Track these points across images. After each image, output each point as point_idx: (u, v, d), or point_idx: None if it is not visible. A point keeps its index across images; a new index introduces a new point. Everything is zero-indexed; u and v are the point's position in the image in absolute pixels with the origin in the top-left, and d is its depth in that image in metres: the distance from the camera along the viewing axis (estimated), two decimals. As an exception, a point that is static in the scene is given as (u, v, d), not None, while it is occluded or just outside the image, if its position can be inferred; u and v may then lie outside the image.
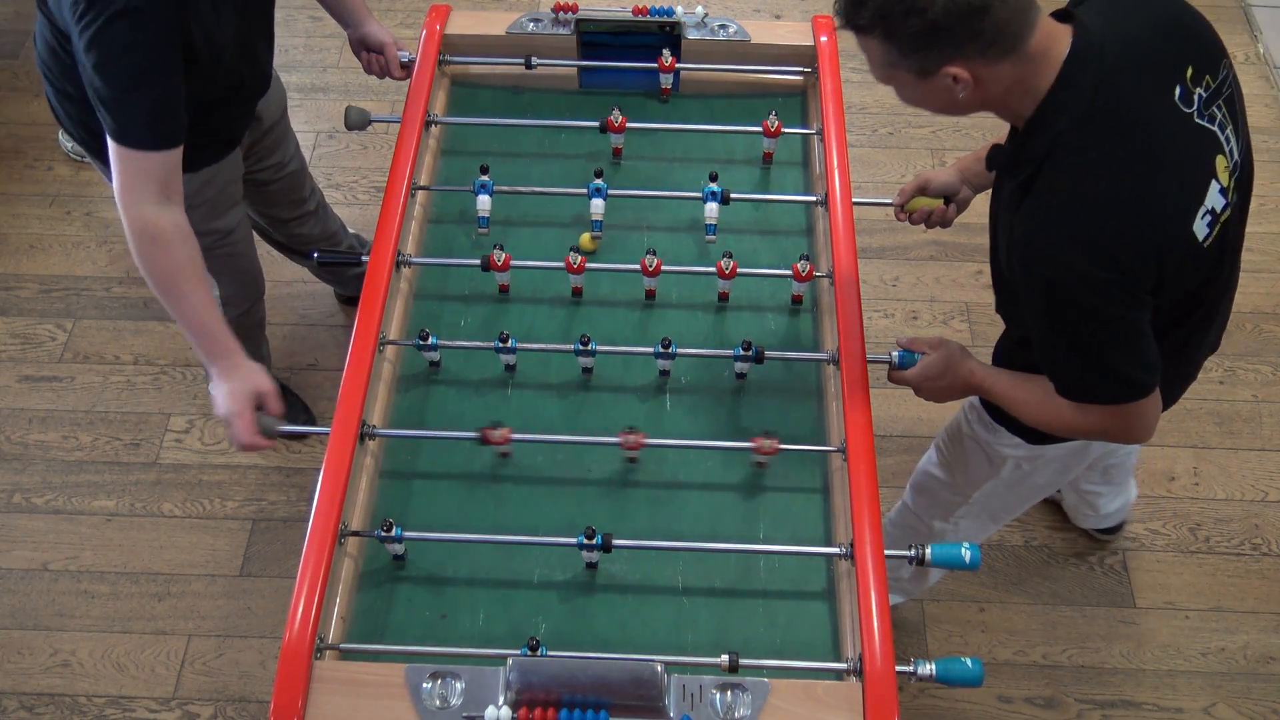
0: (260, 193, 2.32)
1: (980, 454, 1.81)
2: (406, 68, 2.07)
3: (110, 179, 2.00)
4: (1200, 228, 1.36)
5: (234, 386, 1.69)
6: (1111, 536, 2.46)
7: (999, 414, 1.72)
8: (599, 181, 1.86)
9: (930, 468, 1.96)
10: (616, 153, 2.02)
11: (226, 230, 2.15)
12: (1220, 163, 1.38)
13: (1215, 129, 1.38)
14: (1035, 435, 1.69)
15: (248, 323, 2.41)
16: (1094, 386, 1.42)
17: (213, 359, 1.73)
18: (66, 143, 3.22)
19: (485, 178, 1.86)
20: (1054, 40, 1.32)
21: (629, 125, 1.97)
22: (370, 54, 2.11)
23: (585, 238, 1.90)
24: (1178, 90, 1.35)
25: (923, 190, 1.85)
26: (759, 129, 1.97)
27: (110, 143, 1.66)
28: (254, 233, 2.40)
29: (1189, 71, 1.36)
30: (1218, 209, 1.38)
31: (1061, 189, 1.33)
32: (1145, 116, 1.33)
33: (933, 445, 1.97)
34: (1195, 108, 1.36)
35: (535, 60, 2.05)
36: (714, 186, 1.85)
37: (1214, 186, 1.36)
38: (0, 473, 2.57)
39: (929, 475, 1.96)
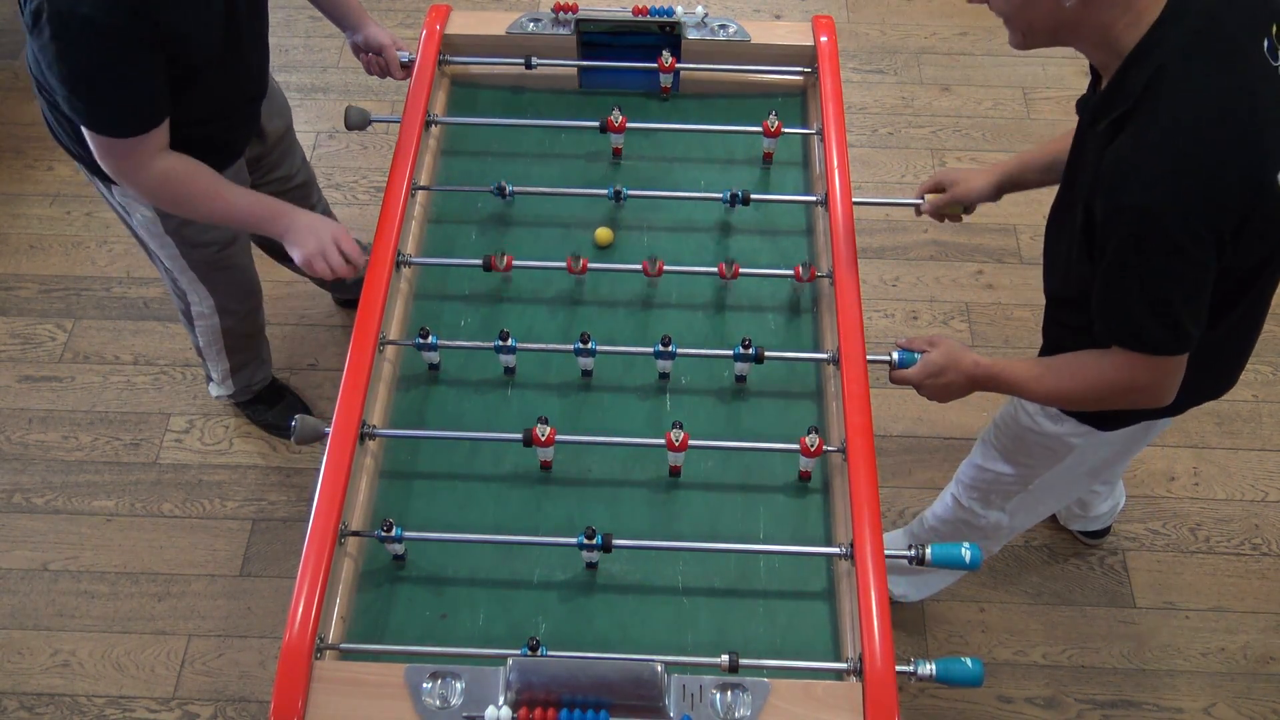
0: None
1: (1044, 447, 1.80)
2: (407, 68, 2.07)
3: (109, 200, 2.02)
4: None
5: (314, 222, 1.82)
6: (1098, 541, 2.46)
7: None
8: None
9: (987, 464, 1.93)
10: (616, 152, 2.02)
11: (226, 242, 2.15)
12: None
13: None
14: (1101, 420, 1.69)
15: (246, 329, 2.41)
16: (1147, 331, 1.41)
17: (285, 226, 1.83)
18: None
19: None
20: None
21: (629, 125, 1.97)
22: (370, 55, 2.11)
23: (604, 232, 1.90)
24: (1265, 42, 1.35)
25: (958, 202, 1.87)
26: (759, 129, 1.97)
27: (87, 131, 1.68)
28: (252, 243, 2.39)
29: (1275, 28, 1.37)
30: None
31: (1164, 117, 1.32)
32: (1245, 58, 1.33)
33: (981, 445, 1.95)
34: None
35: (535, 60, 2.05)
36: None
37: None
38: (0, 473, 2.57)
39: (985, 471, 1.94)
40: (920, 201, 1.92)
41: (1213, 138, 1.31)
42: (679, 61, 2.07)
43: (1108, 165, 1.36)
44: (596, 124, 1.97)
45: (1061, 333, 1.66)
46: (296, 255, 1.84)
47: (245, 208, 1.84)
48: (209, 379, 2.57)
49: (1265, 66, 1.35)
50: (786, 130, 1.98)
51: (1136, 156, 1.34)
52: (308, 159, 2.43)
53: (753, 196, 1.95)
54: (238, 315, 2.34)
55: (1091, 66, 1.48)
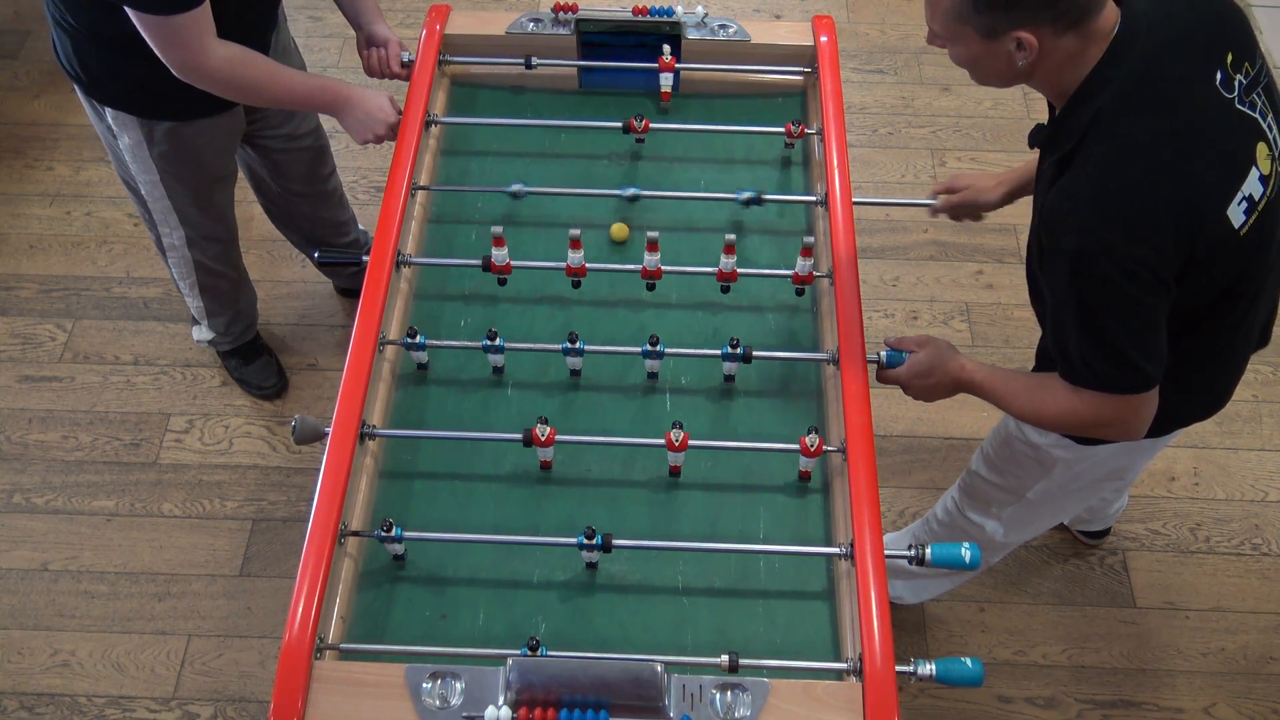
0: (273, 160, 2.35)
1: (1031, 457, 1.79)
2: (406, 66, 2.08)
3: (99, 123, 2.08)
4: (1236, 214, 1.35)
5: (368, 110, 1.97)
6: (1098, 541, 2.46)
7: None
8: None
9: (980, 470, 1.94)
10: (665, 97, 2.06)
11: (208, 181, 2.20)
12: (1261, 150, 1.38)
13: (1256, 116, 1.39)
14: (1081, 436, 1.69)
15: (221, 268, 2.42)
16: (1100, 371, 1.42)
17: (338, 98, 1.98)
18: None
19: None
20: (1109, 18, 1.34)
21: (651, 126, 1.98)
22: (373, 50, 2.13)
23: (620, 228, 1.91)
24: (1219, 75, 1.36)
25: (972, 205, 1.89)
26: (760, 129, 1.97)
27: (144, 17, 1.73)
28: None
29: (1229, 57, 1.37)
30: (1256, 196, 1.37)
31: (1099, 160, 1.34)
32: (1188, 96, 1.34)
33: (979, 450, 1.95)
34: (1236, 93, 1.37)
35: (535, 60, 2.05)
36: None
37: (1254, 173, 1.36)
38: (0, 473, 2.57)
39: (979, 478, 1.94)
40: (934, 201, 1.94)
41: (1144, 181, 1.32)
42: (679, 61, 2.07)
43: (1049, 205, 1.38)
44: (597, 124, 1.98)
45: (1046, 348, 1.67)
46: (354, 137, 2.02)
47: (304, 85, 1.96)
48: (192, 321, 2.62)
49: (1215, 100, 1.35)
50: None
51: (1072, 199, 1.35)
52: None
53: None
54: (208, 253, 2.36)
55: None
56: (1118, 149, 1.33)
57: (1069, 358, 1.45)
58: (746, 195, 1.88)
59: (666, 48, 2.03)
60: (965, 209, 1.92)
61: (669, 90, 2.08)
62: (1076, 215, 1.34)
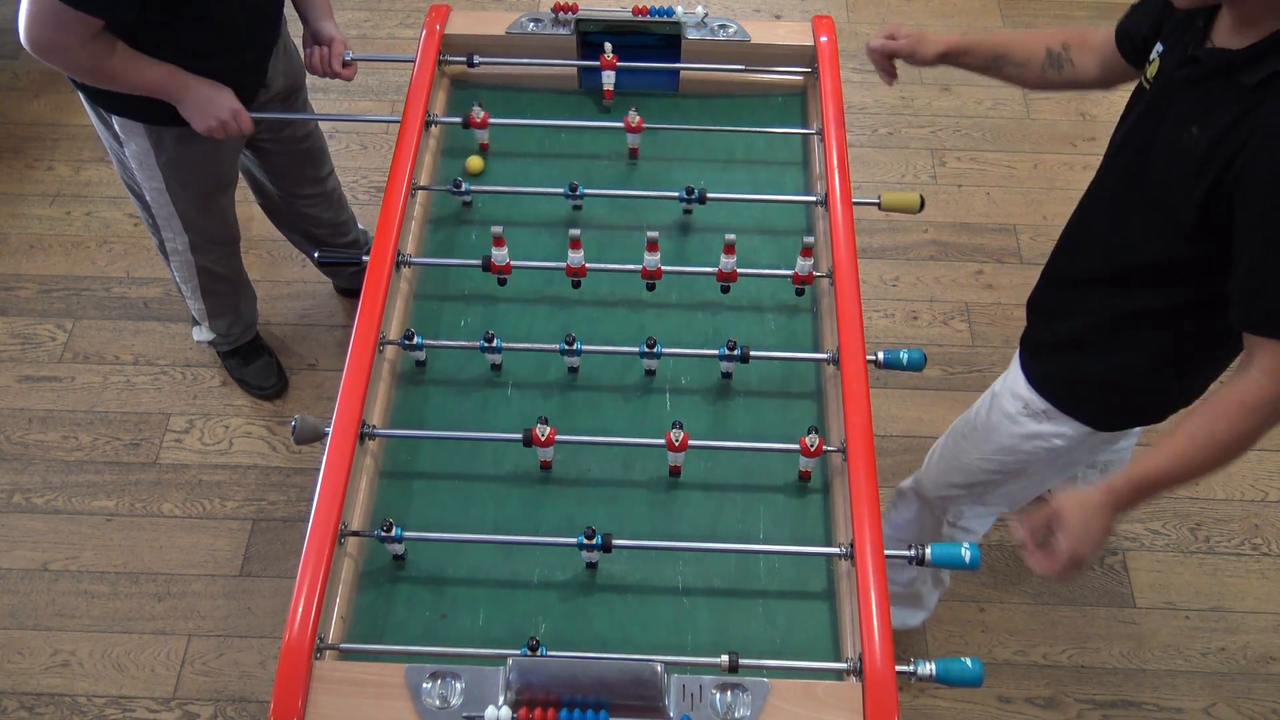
0: (271, 162, 2.35)
1: (1043, 448, 1.76)
2: (349, 66, 2.11)
3: (104, 131, 2.09)
4: None
5: (212, 100, 1.93)
6: None
7: (1060, 399, 1.68)
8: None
9: (992, 495, 1.91)
10: (633, 153, 2.02)
11: (213, 187, 2.20)
12: None
13: None
14: (1105, 422, 1.65)
15: (223, 271, 2.43)
16: None
17: (177, 87, 1.91)
18: None
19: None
20: None
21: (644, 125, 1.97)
22: (317, 48, 2.14)
23: (475, 161, 1.96)
24: None
25: (902, 55, 1.85)
26: (759, 129, 1.97)
27: (54, 3, 1.68)
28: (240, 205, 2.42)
29: None
30: None
31: None
32: None
33: (966, 489, 1.92)
34: None
35: (477, 58, 2.05)
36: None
37: None
38: (0, 473, 2.57)
39: (950, 497, 1.93)
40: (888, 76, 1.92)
41: None
42: (679, 61, 2.06)
43: (1266, 127, 1.26)
44: (596, 124, 1.98)
45: (1093, 319, 1.60)
46: (194, 125, 1.97)
47: (151, 74, 1.89)
48: (193, 322, 2.63)
49: None
50: (787, 130, 1.97)
51: None
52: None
53: (752, 197, 1.95)
54: (211, 257, 2.37)
55: (1180, 17, 1.38)
56: None
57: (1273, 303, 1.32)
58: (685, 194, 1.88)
59: (608, 45, 2.03)
60: (894, 57, 1.86)
61: (611, 89, 2.06)
62: None
